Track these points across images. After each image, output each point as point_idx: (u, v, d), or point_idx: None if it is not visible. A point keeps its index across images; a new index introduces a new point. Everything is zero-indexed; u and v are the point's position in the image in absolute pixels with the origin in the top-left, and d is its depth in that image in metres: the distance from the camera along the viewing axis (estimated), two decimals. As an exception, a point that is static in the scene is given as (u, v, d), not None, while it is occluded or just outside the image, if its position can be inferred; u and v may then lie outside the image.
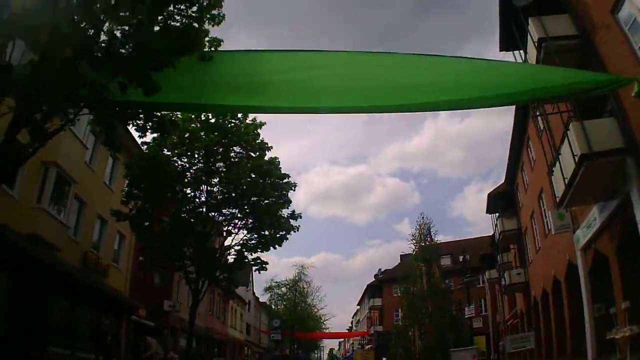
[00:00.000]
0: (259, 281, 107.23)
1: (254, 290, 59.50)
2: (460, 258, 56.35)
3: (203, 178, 19.58)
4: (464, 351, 24.85)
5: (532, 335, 23.73)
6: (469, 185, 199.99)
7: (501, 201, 31.51)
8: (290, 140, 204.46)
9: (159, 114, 9.51)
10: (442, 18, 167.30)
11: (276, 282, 54.14)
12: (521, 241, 29.80)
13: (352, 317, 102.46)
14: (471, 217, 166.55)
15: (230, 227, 20.94)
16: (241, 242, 21.04)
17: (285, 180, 20.73)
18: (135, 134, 10.98)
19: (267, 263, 22.35)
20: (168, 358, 21.94)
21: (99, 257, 19.92)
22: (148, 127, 9.52)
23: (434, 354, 29.38)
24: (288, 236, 21.12)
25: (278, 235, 20.88)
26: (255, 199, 19.74)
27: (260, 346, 65.25)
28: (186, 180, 19.24)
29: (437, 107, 5.38)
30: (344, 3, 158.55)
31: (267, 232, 20.88)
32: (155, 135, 14.30)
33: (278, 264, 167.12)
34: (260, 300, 60.52)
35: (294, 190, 21.36)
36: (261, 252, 21.16)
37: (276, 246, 20.95)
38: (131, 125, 9.68)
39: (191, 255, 19.72)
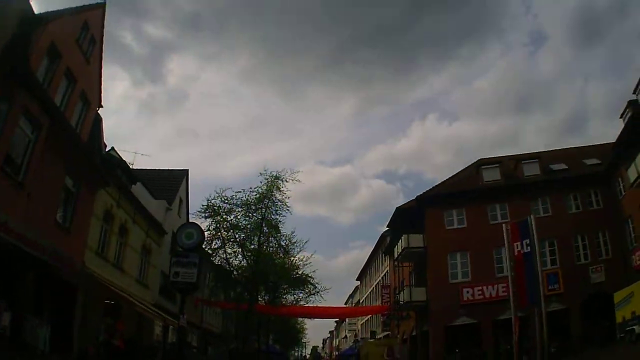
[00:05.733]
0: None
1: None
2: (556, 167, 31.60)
3: None
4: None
5: None
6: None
7: None
8: (280, 139, 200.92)
9: None
10: (436, 19, 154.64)
11: (226, 197, 27.56)
12: None
13: (346, 302, 76.74)
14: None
15: None
16: None
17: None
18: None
19: None
20: None
21: None
22: None
23: None
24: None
25: None
26: None
27: (205, 329, 39.20)
28: None
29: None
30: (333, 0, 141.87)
31: None
32: None
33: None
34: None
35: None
36: None
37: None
38: None
39: None
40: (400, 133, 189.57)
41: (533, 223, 17.65)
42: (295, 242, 29.33)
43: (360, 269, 60.87)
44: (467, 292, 28.46)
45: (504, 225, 18.73)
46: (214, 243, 27.03)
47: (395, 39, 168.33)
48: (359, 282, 64.86)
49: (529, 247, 17.67)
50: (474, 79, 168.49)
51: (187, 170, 33.43)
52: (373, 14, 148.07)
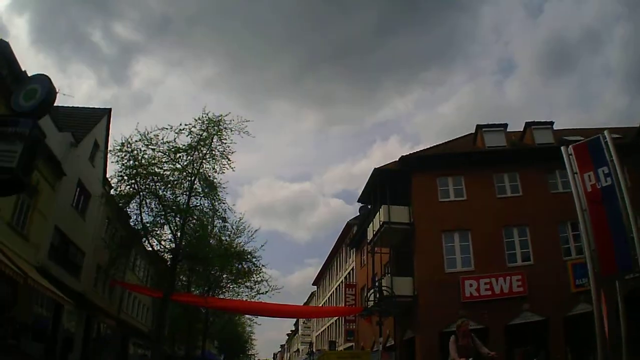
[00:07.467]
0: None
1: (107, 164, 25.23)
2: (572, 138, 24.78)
3: None
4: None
5: None
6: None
7: None
8: (239, 151, 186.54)
9: None
10: (406, 40, 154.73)
11: (149, 137, 19.38)
12: None
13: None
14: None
15: None
16: None
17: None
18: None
19: None
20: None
21: None
22: None
23: None
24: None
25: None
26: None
27: (124, 321, 30.17)
28: None
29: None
30: (300, 14, 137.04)
31: None
32: None
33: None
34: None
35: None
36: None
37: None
38: None
39: None
40: (361, 153, 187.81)
41: (610, 142, 10.51)
42: (243, 229, 24.95)
43: (317, 272, 52.95)
44: (471, 285, 21.14)
45: (562, 149, 11.47)
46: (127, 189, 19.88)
47: (361, 59, 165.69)
48: (315, 287, 56.83)
49: (609, 179, 10.55)
50: (439, 103, 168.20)
51: (110, 110, 25.36)
52: (341, 32, 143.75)
